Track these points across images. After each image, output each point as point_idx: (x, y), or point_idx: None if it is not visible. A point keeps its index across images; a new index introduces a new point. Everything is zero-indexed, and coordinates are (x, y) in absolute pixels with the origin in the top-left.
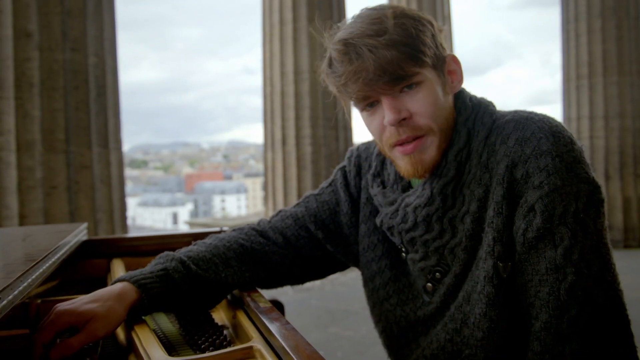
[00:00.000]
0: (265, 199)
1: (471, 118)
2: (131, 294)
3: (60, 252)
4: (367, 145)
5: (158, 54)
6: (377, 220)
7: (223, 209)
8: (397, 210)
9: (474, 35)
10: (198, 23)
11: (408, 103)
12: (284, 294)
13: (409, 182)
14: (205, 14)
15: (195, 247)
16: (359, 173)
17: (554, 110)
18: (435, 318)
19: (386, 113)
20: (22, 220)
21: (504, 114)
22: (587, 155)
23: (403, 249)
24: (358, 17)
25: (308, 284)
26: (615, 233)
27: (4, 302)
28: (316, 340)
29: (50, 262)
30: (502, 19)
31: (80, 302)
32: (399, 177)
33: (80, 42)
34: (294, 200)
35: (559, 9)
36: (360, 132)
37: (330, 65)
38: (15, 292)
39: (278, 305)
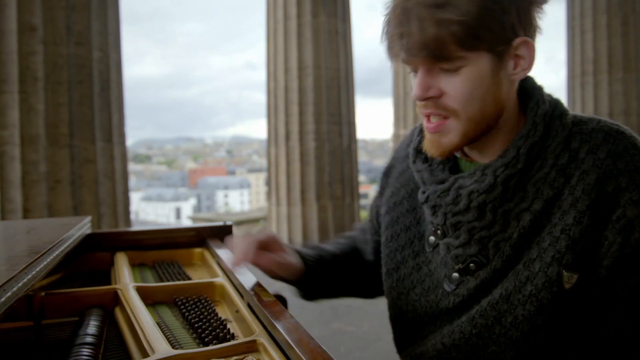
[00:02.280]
0: (269, 194)
1: (548, 114)
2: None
3: (64, 245)
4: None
5: (161, 48)
6: (422, 196)
7: (226, 204)
8: (448, 189)
9: None
10: (201, 18)
11: (442, 82)
12: (287, 289)
13: (456, 164)
14: (208, 9)
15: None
16: (386, 174)
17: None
18: (461, 311)
19: (416, 85)
20: (26, 214)
21: (582, 119)
22: None
23: (438, 232)
24: None
25: None
26: None
27: (8, 293)
28: (319, 335)
29: (54, 254)
30: None
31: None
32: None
33: (85, 36)
34: (297, 195)
35: (564, 5)
36: (364, 127)
37: (387, 14)
38: (20, 284)
39: (281, 300)
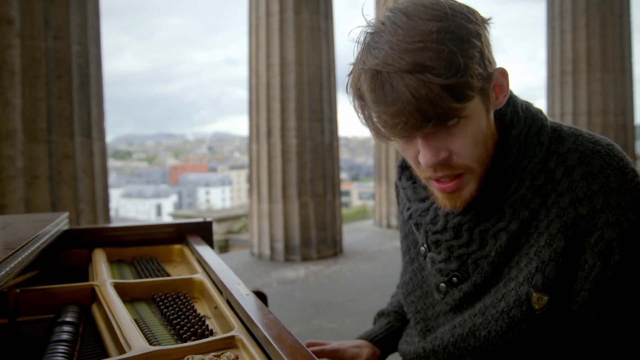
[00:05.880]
0: (250, 191)
1: (524, 132)
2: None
3: (40, 241)
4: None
5: (142, 43)
6: (406, 214)
7: (207, 201)
8: (428, 209)
9: None
10: (182, 12)
11: (448, 141)
12: (268, 286)
13: None
14: (189, 3)
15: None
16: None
17: (539, 107)
18: (447, 318)
19: (422, 152)
20: (3, 210)
21: (561, 134)
22: None
23: (424, 246)
24: (393, 31)
25: (292, 276)
26: None
27: None
28: (300, 332)
29: (29, 250)
30: (488, 13)
31: (348, 345)
32: None
33: (63, 30)
34: (278, 192)
35: (544, 5)
36: (346, 125)
37: (360, 95)
38: None
39: (261, 297)
